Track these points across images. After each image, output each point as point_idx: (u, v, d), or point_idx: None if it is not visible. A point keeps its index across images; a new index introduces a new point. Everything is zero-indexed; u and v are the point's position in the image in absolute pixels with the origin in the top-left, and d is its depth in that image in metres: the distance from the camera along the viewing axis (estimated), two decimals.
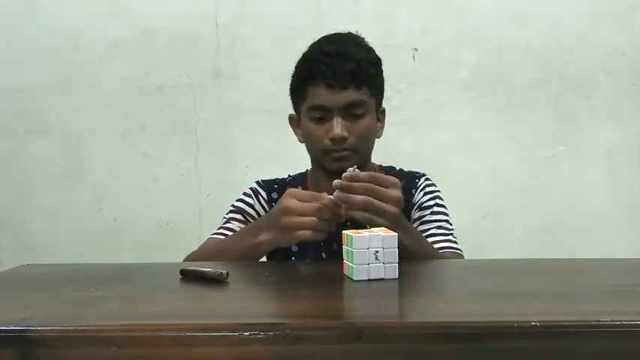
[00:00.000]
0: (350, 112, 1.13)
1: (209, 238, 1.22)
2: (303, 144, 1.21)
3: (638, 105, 2.10)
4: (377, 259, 0.84)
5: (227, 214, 1.25)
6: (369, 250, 0.83)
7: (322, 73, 1.12)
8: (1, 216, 2.10)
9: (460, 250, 1.17)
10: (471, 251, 1.14)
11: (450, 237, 1.18)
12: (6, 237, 2.09)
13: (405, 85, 2.06)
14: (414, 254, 1.03)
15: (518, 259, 1.13)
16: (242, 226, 1.22)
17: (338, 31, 1.20)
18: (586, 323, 0.62)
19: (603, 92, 2.09)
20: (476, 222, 2.05)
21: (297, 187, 1.24)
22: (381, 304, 0.75)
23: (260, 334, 0.60)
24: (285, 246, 1.11)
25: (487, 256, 1.11)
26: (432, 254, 1.08)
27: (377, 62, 1.19)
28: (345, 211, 0.96)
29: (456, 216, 1.22)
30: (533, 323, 0.60)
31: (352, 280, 0.84)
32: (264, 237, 1.03)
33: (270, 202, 1.25)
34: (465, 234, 1.98)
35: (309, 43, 1.18)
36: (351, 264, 0.84)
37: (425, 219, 1.20)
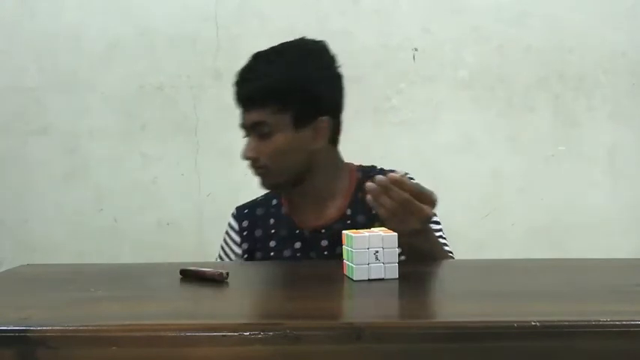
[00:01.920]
0: (258, 132, 1.16)
1: None
2: None
3: (638, 105, 2.10)
4: (377, 259, 0.84)
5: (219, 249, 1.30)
6: (369, 250, 0.84)
7: (235, 95, 1.18)
8: (1, 216, 2.10)
9: (451, 251, 1.18)
10: (471, 251, 1.15)
11: (441, 239, 1.18)
12: (6, 237, 2.09)
13: (405, 85, 2.06)
14: (420, 256, 1.04)
15: (518, 259, 1.13)
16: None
17: (289, 40, 1.21)
18: (586, 323, 0.62)
19: (603, 92, 2.09)
20: (476, 222, 2.05)
21: (271, 204, 1.26)
22: (381, 304, 0.75)
23: (260, 334, 0.60)
24: None
25: (487, 256, 1.11)
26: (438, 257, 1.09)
27: (290, 77, 1.16)
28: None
29: (456, 216, 1.22)
30: (533, 323, 0.60)
31: (352, 280, 0.84)
32: None
33: (241, 232, 1.25)
34: (465, 234, 1.99)
35: None
36: (351, 264, 0.84)
37: None
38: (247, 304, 0.75)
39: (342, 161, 1.25)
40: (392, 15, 2.07)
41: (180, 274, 0.88)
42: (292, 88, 1.16)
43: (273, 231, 1.23)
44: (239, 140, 2.25)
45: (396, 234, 0.85)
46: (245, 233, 1.26)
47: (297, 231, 1.21)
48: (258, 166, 1.17)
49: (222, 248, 1.29)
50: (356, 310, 0.76)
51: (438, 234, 1.18)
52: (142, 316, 0.68)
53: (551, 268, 0.99)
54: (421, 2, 2.08)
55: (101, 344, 0.60)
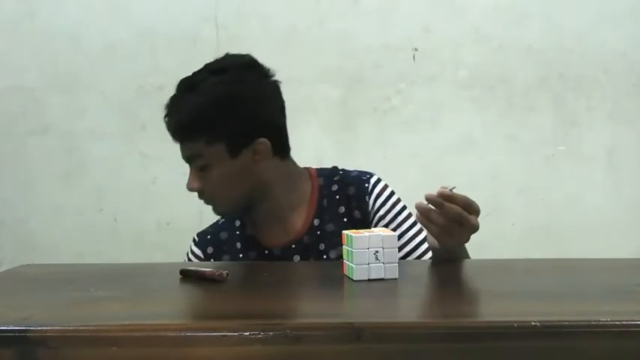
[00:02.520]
0: (196, 165, 1.15)
1: None
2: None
3: (638, 105, 2.09)
4: (377, 259, 0.84)
5: None
6: (369, 250, 0.83)
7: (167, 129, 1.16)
8: (1, 216, 2.10)
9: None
10: (470, 251, 1.14)
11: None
12: (6, 237, 2.09)
13: (405, 85, 2.06)
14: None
15: (518, 259, 1.13)
16: None
17: (211, 61, 1.18)
18: (586, 323, 0.62)
19: (603, 92, 2.09)
20: None
21: (234, 225, 1.23)
22: (381, 304, 0.75)
23: (260, 334, 0.60)
24: None
25: (487, 256, 1.10)
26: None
27: (216, 107, 1.12)
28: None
29: None
30: (533, 323, 0.60)
31: (352, 280, 0.84)
32: None
33: (207, 259, 1.22)
34: None
35: (310, 43, 1.17)
36: (351, 264, 0.84)
37: (398, 229, 1.16)
38: (247, 304, 0.75)
39: (297, 171, 1.21)
40: (392, 15, 2.07)
41: (180, 274, 0.88)
42: (219, 118, 1.11)
43: (241, 255, 1.20)
44: None
45: (395, 234, 0.85)
46: (212, 261, 1.22)
47: (267, 251, 1.18)
48: (204, 197, 1.16)
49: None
50: (356, 310, 0.76)
51: (413, 227, 1.18)
52: (142, 316, 0.68)
53: (551, 268, 0.99)
54: (421, 2, 2.08)
55: (101, 344, 0.60)
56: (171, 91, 1.81)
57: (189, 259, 1.25)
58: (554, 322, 0.62)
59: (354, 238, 0.84)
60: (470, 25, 2.07)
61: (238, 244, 1.20)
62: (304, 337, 0.60)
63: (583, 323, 0.62)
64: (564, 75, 2.08)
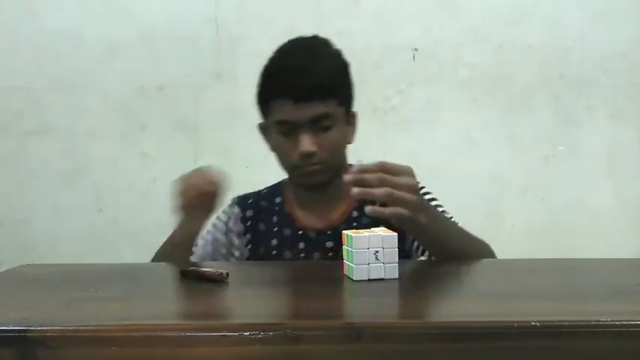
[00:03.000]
0: (317, 126, 1.10)
1: None
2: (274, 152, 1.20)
3: (638, 105, 2.10)
4: (377, 259, 0.84)
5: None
6: (369, 250, 0.83)
7: (285, 88, 1.09)
8: (1, 216, 2.10)
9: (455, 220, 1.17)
10: None
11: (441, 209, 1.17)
12: (6, 237, 2.09)
13: (405, 85, 2.06)
14: (445, 240, 1.02)
15: (518, 259, 1.13)
16: (210, 246, 1.24)
17: (303, 36, 1.18)
18: (586, 323, 0.62)
19: (603, 92, 2.09)
20: (476, 222, 2.04)
21: (274, 201, 1.24)
22: (381, 304, 0.75)
23: (260, 334, 0.59)
24: (193, 223, 1.17)
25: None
26: (465, 236, 1.08)
27: (342, 70, 1.15)
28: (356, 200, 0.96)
29: (456, 216, 1.22)
30: (533, 323, 0.60)
31: (352, 280, 0.84)
32: (178, 224, 1.18)
33: (245, 221, 1.23)
34: None
35: None
36: (351, 264, 0.84)
37: None
38: (247, 304, 0.75)
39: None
40: (392, 15, 2.07)
41: (180, 274, 0.88)
42: (349, 82, 1.16)
43: (275, 229, 1.21)
44: (239, 140, 2.25)
45: (395, 234, 0.85)
46: (249, 224, 1.23)
47: (301, 231, 1.19)
48: (315, 161, 1.11)
49: (213, 241, 1.24)
50: (356, 310, 0.76)
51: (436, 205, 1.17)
52: (142, 316, 0.68)
53: (551, 268, 0.99)
54: (421, 2, 2.08)
55: (101, 344, 0.60)
56: (171, 91, 1.81)
57: (224, 221, 1.25)
58: (554, 322, 0.62)
59: (354, 238, 0.84)
60: (470, 25, 2.07)
61: (275, 218, 1.21)
62: (304, 337, 0.60)
63: (583, 323, 0.62)
64: (564, 75, 2.09)
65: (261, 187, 1.29)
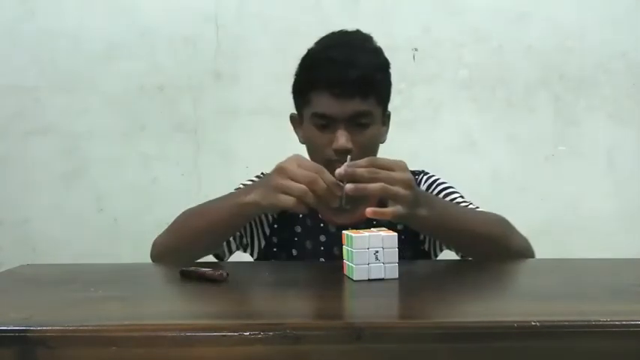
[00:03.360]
0: (355, 122, 1.08)
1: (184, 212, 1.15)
2: (304, 145, 1.19)
3: (638, 105, 2.10)
4: (377, 259, 0.84)
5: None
6: (369, 250, 0.84)
7: (327, 81, 1.06)
8: (1, 216, 2.10)
9: (477, 206, 1.17)
10: None
11: (477, 206, 1.17)
12: (6, 237, 2.09)
13: (405, 85, 2.06)
14: (447, 226, 1.00)
15: (517, 259, 1.13)
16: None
17: (345, 30, 1.15)
18: (586, 323, 0.62)
19: (603, 92, 2.09)
20: None
21: None
22: (381, 304, 0.75)
23: (260, 334, 0.60)
24: (269, 211, 1.06)
25: None
26: (470, 217, 1.07)
27: (385, 67, 1.14)
28: (344, 203, 0.91)
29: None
30: (533, 323, 0.60)
31: (352, 280, 0.84)
32: (251, 196, 0.96)
33: None
34: None
35: (309, 43, 1.16)
36: (351, 264, 0.84)
37: None
38: (247, 304, 0.75)
39: None
40: (392, 15, 2.07)
41: (180, 274, 0.88)
42: (386, 81, 1.14)
43: (300, 216, 1.19)
44: (239, 140, 2.24)
45: (395, 234, 0.85)
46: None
47: (322, 224, 1.19)
48: (351, 159, 1.10)
49: None
50: (356, 310, 0.76)
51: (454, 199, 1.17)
52: (142, 316, 0.68)
53: (550, 268, 0.99)
54: (421, 2, 2.08)
55: (101, 344, 0.60)
56: (171, 91, 1.81)
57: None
58: (554, 322, 0.62)
59: (354, 238, 0.84)
60: (470, 25, 2.07)
61: None
62: (304, 337, 0.60)
63: (583, 323, 0.62)
64: (564, 75, 2.09)
65: None
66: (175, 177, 2.09)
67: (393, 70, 1.17)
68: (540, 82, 2.09)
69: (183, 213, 1.14)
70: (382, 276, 0.84)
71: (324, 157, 1.09)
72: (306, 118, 1.13)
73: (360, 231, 0.87)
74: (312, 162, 0.96)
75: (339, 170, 0.90)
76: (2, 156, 2.08)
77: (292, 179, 0.90)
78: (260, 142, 2.03)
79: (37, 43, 2.07)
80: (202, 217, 1.06)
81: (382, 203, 0.95)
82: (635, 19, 2.08)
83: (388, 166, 0.91)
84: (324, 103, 1.08)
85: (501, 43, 2.08)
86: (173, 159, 2.08)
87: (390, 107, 1.20)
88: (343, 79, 1.05)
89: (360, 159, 1.07)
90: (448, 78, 2.08)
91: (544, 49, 2.08)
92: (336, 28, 1.19)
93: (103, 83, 2.07)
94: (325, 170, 0.92)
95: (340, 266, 0.88)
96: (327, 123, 1.09)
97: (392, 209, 0.90)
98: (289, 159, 0.93)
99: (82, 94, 2.08)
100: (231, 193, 1.09)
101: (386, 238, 0.84)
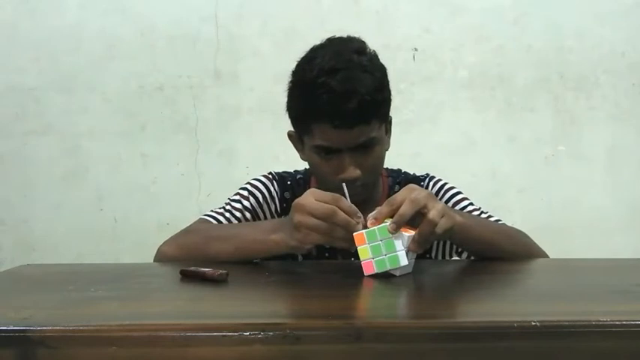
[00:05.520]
0: (360, 148, 1.05)
1: (202, 219, 1.13)
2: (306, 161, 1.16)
3: (638, 105, 2.10)
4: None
5: (233, 196, 1.18)
6: (403, 234, 0.85)
7: (328, 114, 1.02)
8: (1, 216, 2.10)
9: (498, 219, 1.17)
10: None
11: (489, 215, 1.16)
12: (6, 237, 2.09)
13: (405, 85, 2.06)
14: (475, 237, 1.00)
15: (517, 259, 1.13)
16: (249, 214, 1.15)
17: (337, 38, 1.10)
18: (586, 323, 0.62)
19: (603, 92, 2.09)
20: None
21: (305, 188, 1.16)
22: (381, 304, 0.75)
23: (260, 334, 0.59)
24: (296, 251, 1.00)
25: None
26: (495, 229, 1.07)
27: (383, 83, 1.08)
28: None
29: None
30: (533, 323, 0.60)
31: (396, 270, 0.84)
32: (278, 236, 0.94)
33: (282, 202, 1.20)
34: None
35: (309, 43, 1.14)
36: (393, 254, 0.84)
37: None
38: (247, 304, 0.75)
39: None
40: (392, 15, 2.07)
41: (180, 274, 0.88)
42: (386, 97, 1.09)
43: None
44: (239, 140, 2.24)
45: (410, 233, 0.86)
46: (285, 205, 1.17)
47: None
48: (360, 184, 1.06)
49: (242, 209, 1.16)
50: (356, 310, 0.76)
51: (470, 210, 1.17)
52: (142, 316, 0.68)
53: (551, 268, 0.99)
54: (421, 2, 2.08)
55: (101, 344, 0.60)
56: (171, 91, 1.81)
57: (253, 193, 1.18)
58: (554, 322, 0.62)
59: (384, 227, 0.84)
60: (470, 25, 2.07)
61: None
62: (304, 337, 0.60)
63: (583, 323, 0.62)
64: (564, 75, 2.09)
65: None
66: (175, 177, 2.09)
67: (393, 70, 1.15)
68: (540, 82, 2.09)
69: (198, 229, 1.09)
70: (410, 270, 0.86)
71: (333, 184, 1.05)
72: (308, 145, 1.10)
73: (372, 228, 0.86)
74: (328, 193, 0.91)
75: (391, 230, 0.86)
76: (2, 156, 2.08)
77: (311, 215, 0.88)
78: (260, 142, 2.03)
79: (37, 43, 2.07)
80: (227, 242, 1.02)
81: None
82: (635, 19, 2.08)
83: (401, 197, 0.87)
84: (326, 136, 1.04)
85: (501, 43, 2.08)
86: (173, 159, 2.08)
87: (390, 108, 1.20)
88: (344, 111, 1.01)
89: (369, 179, 1.08)
90: (448, 78, 2.08)
91: (544, 49, 2.08)
92: (336, 28, 1.18)
93: (103, 83, 2.08)
94: (341, 198, 0.89)
95: (340, 266, 0.88)
96: (330, 153, 1.06)
97: (436, 223, 0.85)
98: (305, 195, 0.91)
99: (82, 94, 2.08)
100: (254, 224, 1.08)
101: (408, 238, 0.86)
